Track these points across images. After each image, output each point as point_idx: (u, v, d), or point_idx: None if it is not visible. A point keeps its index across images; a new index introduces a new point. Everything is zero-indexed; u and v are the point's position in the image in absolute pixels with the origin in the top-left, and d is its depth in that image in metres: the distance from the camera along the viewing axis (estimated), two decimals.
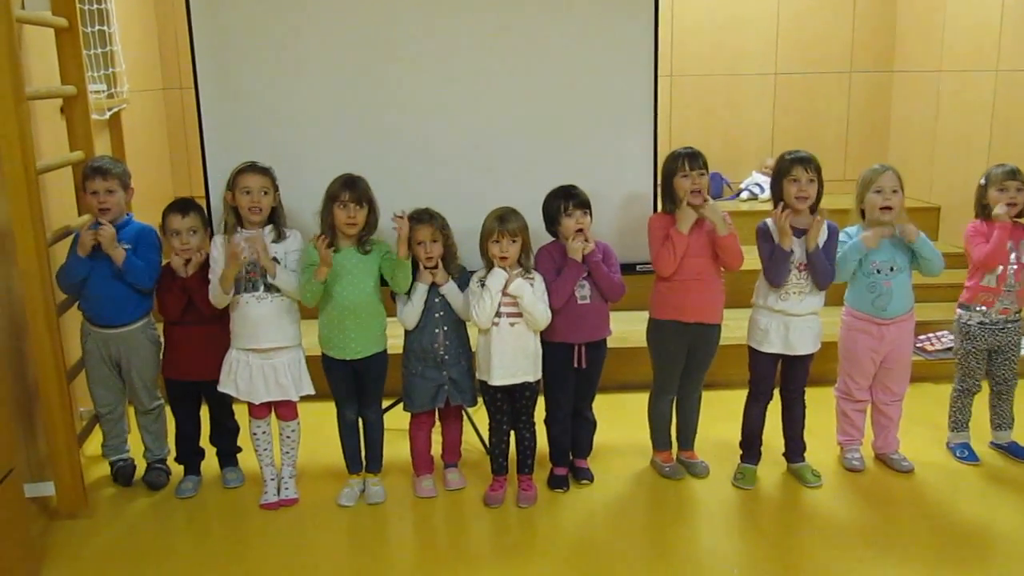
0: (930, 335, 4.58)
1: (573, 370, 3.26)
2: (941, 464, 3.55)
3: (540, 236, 3.27)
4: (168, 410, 3.47)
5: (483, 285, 3.12)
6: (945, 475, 3.46)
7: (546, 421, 3.38)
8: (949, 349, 4.45)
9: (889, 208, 3.28)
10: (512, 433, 3.31)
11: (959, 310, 3.55)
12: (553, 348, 3.24)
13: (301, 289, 3.12)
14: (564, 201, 3.16)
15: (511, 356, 3.14)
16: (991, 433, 3.64)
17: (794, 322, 3.24)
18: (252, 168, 3.12)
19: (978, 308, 3.47)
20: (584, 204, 3.17)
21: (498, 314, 3.11)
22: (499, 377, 3.14)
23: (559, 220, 3.18)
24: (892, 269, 3.33)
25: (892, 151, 6.10)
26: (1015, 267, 3.39)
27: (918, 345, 4.52)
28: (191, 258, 3.19)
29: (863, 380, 3.46)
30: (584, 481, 3.41)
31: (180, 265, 3.18)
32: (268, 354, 3.17)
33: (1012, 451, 3.58)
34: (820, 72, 6.09)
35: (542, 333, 3.23)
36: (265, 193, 3.12)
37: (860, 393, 3.49)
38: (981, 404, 3.62)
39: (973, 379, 3.56)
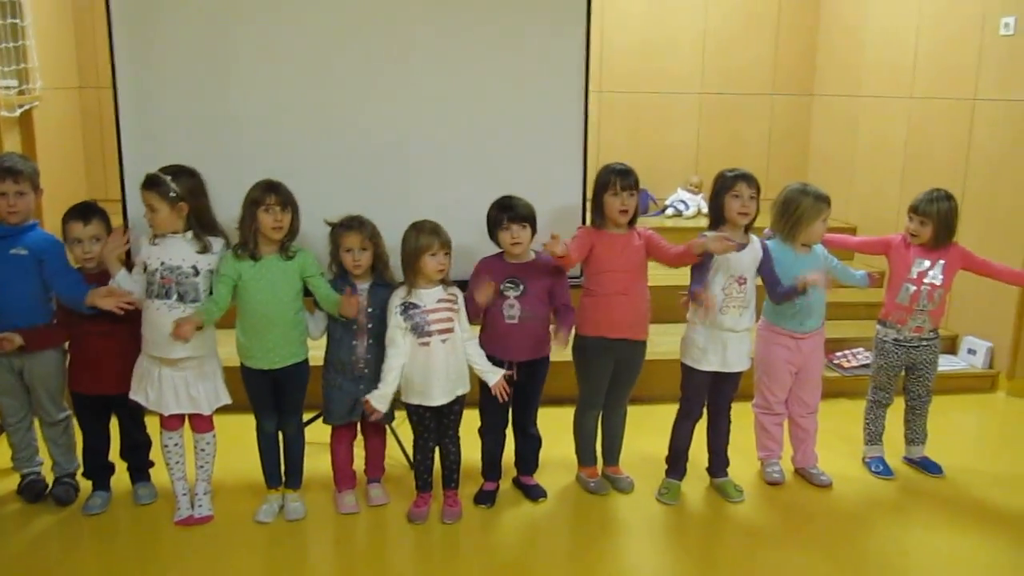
0: (846, 351, 4.71)
1: (510, 385, 3.20)
2: (858, 478, 3.63)
3: (469, 251, 3.24)
4: (76, 422, 3.30)
5: (405, 311, 3.04)
6: (862, 489, 3.54)
7: (480, 432, 3.35)
8: (865, 366, 4.58)
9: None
10: (437, 448, 3.25)
11: (877, 325, 3.66)
12: (489, 360, 3.20)
13: (202, 304, 3.00)
14: (502, 214, 3.13)
15: (443, 375, 3.07)
16: (904, 448, 3.74)
17: (731, 339, 3.27)
18: (144, 184, 2.97)
19: (892, 325, 3.57)
20: (523, 218, 3.14)
21: (427, 333, 3.04)
22: (439, 396, 3.08)
23: (497, 233, 3.15)
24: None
25: (811, 172, 6.28)
26: (928, 288, 3.50)
27: (835, 361, 4.64)
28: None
29: (781, 393, 3.53)
30: (539, 499, 3.38)
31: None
32: (179, 364, 3.04)
33: (924, 466, 3.69)
34: (744, 94, 6.24)
35: (481, 344, 3.20)
36: (153, 210, 2.97)
37: (778, 406, 3.55)
38: (896, 419, 3.72)
39: (885, 392, 3.66)
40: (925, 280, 3.49)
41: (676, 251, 3.22)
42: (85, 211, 3.08)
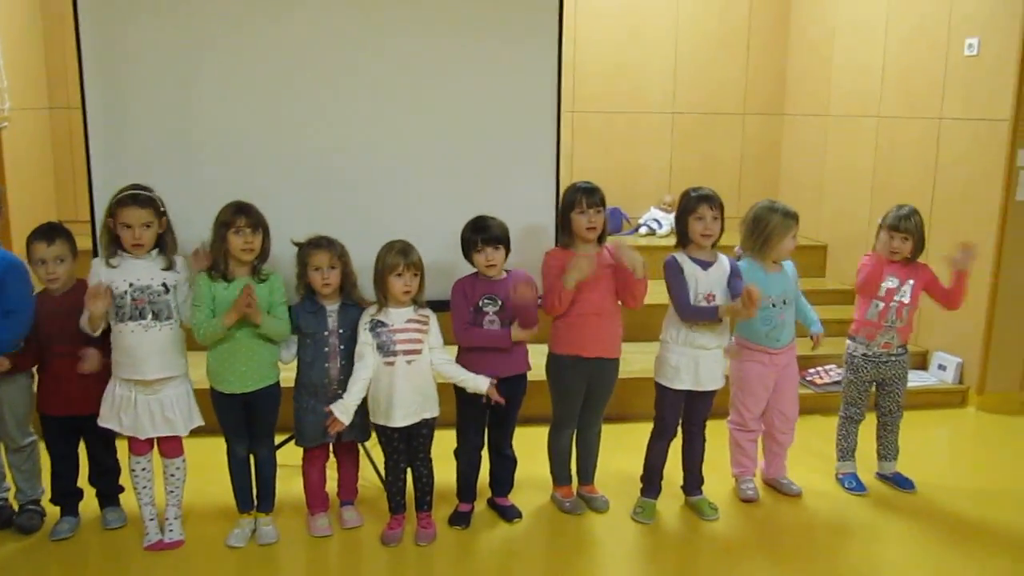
0: (819, 368, 4.74)
1: (486, 405, 3.20)
2: (831, 494, 3.65)
3: (443, 269, 3.23)
4: (42, 446, 3.24)
5: (373, 328, 3.04)
6: (835, 505, 3.56)
7: (456, 453, 3.33)
8: (838, 382, 4.61)
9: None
10: (409, 470, 3.23)
11: (848, 340, 3.69)
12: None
13: (198, 328, 2.98)
14: (475, 235, 3.13)
15: (409, 396, 3.06)
16: (876, 464, 3.76)
17: (704, 358, 3.28)
18: (133, 199, 2.94)
19: (862, 340, 3.60)
20: (496, 240, 3.14)
21: (393, 352, 3.04)
22: (400, 419, 3.06)
23: (471, 254, 3.15)
24: (785, 303, 3.44)
25: (783, 190, 6.34)
26: (896, 305, 3.54)
27: (808, 378, 4.67)
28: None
29: (756, 409, 3.54)
30: (515, 520, 3.36)
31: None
32: (153, 387, 3.00)
33: (896, 482, 3.71)
34: (716, 113, 6.30)
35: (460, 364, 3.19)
36: (147, 227, 2.96)
37: (753, 423, 3.56)
38: (868, 435, 3.74)
39: (856, 408, 3.68)
40: (894, 298, 3.54)
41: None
42: (49, 232, 3.04)
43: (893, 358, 3.61)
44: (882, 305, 3.54)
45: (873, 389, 3.68)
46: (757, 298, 3.09)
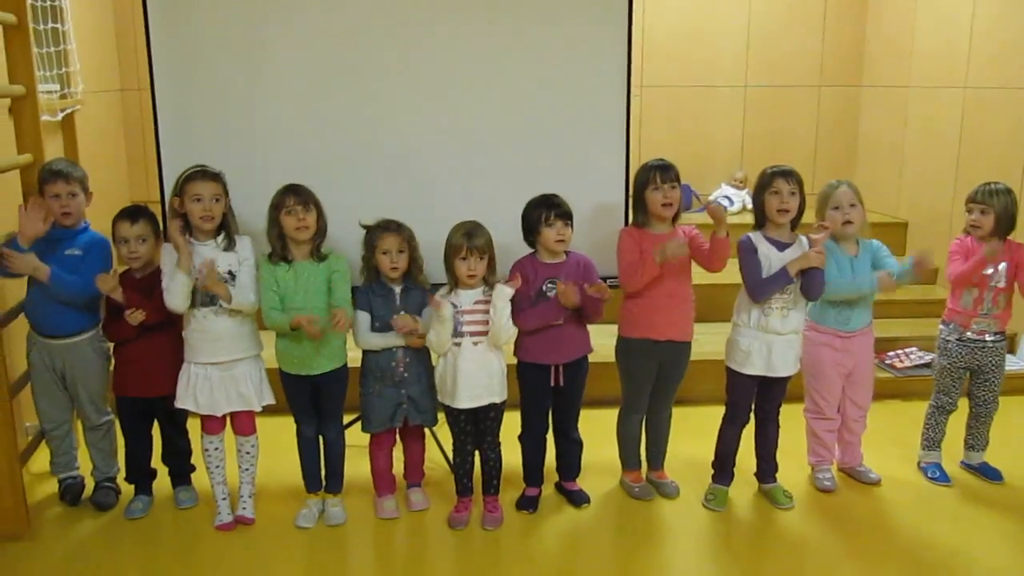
0: (899, 351, 4.56)
1: (550, 389, 3.17)
2: (913, 483, 3.50)
3: (511, 250, 3.18)
4: (118, 426, 3.31)
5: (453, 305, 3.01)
6: (917, 495, 3.42)
7: (520, 438, 3.29)
8: (919, 366, 4.44)
9: (850, 222, 3.24)
10: (477, 453, 3.20)
11: (940, 325, 3.51)
12: (527, 366, 3.15)
13: (266, 315, 2.99)
14: (546, 211, 3.06)
15: (476, 377, 3.02)
16: (963, 453, 3.60)
17: (776, 343, 3.17)
18: (202, 174, 2.97)
19: (955, 326, 3.44)
20: (566, 215, 3.08)
21: (460, 334, 3.00)
22: (465, 400, 3.03)
23: (539, 230, 3.08)
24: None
25: (860, 166, 6.11)
26: (992, 291, 3.36)
27: (887, 362, 4.50)
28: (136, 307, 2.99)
29: (832, 397, 3.41)
30: (583, 505, 3.31)
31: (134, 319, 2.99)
32: (228, 365, 3.04)
33: (984, 472, 3.54)
34: (789, 86, 6.09)
35: (517, 352, 3.14)
36: (216, 200, 2.98)
37: (830, 410, 3.43)
38: (954, 423, 3.57)
39: (948, 397, 3.51)
40: (989, 284, 3.35)
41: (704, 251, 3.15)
42: (134, 212, 3.11)
43: (989, 344, 3.43)
44: (977, 292, 3.37)
45: (966, 377, 3.51)
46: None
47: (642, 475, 3.45)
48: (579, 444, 3.35)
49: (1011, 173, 4.61)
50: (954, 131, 5.19)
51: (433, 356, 3.17)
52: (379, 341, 3.08)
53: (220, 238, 3.04)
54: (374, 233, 3.05)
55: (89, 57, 4.67)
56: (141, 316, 2.98)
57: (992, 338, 3.42)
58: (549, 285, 3.11)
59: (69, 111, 4.05)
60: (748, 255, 3.15)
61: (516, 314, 3.07)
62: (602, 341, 3.30)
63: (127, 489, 3.32)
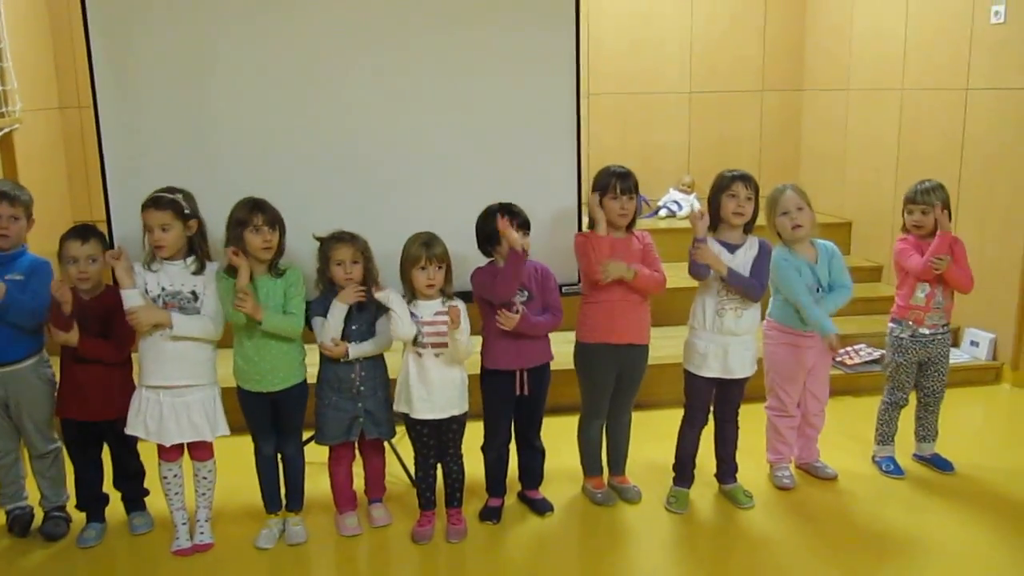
0: (848, 349, 4.65)
1: (514, 397, 3.16)
2: (868, 477, 3.57)
3: (467, 260, 3.16)
4: (66, 453, 3.21)
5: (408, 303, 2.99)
6: (872, 488, 3.48)
7: (483, 448, 3.27)
8: (868, 362, 4.53)
9: (800, 226, 3.29)
10: (439, 466, 3.17)
11: (891, 324, 3.59)
12: (492, 374, 3.14)
13: (228, 318, 2.95)
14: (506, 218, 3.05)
15: (437, 389, 3.00)
16: (915, 445, 3.68)
17: (733, 344, 3.21)
18: (153, 203, 2.90)
19: (909, 325, 3.51)
20: (525, 223, 3.08)
21: (422, 344, 2.98)
22: (424, 411, 3.01)
23: (499, 239, 3.07)
24: (818, 290, 3.35)
25: (804, 168, 6.23)
26: (941, 287, 3.45)
27: (838, 359, 4.58)
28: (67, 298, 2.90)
29: (795, 393, 3.46)
30: (547, 513, 3.30)
31: (64, 299, 2.90)
32: (180, 391, 2.97)
33: (936, 463, 3.62)
34: (733, 91, 6.19)
35: (484, 359, 3.13)
36: (165, 229, 2.91)
37: (792, 408, 3.48)
38: (905, 417, 3.65)
39: (902, 392, 3.59)
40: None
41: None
42: (83, 231, 3.01)
43: (939, 336, 3.52)
44: (929, 287, 3.45)
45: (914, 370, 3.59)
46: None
47: (604, 481, 3.46)
48: (542, 452, 3.35)
49: (949, 171, 4.75)
50: (892, 131, 5.33)
51: (389, 368, 3.14)
52: (369, 348, 3.06)
53: (190, 260, 2.98)
54: (328, 244, 3.02)
55: (26, 76, 4.55)
56: (74, 339, 2.92)
57: (941, 331, 3.52)
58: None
59: (7, 130, 3.94)
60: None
61: (492, 288, 3.05)
62: (559, 348, 3.30)
63: (78, 517, 3.22)
